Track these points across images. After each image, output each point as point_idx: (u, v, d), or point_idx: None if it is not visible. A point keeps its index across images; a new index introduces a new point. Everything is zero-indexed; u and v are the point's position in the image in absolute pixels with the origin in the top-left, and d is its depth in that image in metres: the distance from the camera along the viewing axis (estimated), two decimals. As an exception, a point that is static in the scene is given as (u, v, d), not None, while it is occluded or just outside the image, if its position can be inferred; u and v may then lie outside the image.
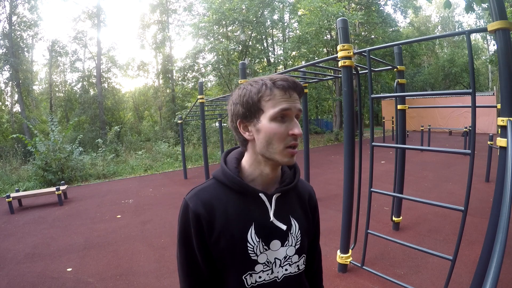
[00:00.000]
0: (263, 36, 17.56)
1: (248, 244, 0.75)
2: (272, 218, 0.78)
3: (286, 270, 0.81)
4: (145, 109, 23.86)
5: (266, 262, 0.78)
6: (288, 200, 0.84)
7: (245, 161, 0.81)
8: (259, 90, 0.73)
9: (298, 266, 0.84)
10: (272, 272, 0.79)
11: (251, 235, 0.76)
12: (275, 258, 0.79)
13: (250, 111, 0.75)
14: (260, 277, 0.78)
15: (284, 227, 0.79)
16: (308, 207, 0.90)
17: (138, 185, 7.76)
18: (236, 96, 0.77)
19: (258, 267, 0.77)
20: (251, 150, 0.79)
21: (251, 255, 0.76)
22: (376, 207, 4.52)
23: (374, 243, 3.21)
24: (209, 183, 0.82)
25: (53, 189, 6.14)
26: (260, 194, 0.78)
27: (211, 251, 0.76)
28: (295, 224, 0.82)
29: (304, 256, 0.85)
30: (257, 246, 0.76)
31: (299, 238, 0.83)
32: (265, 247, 0.77)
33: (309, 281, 0.94)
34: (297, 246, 0.82)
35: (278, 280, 0.80)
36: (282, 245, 0.80)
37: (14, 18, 16.51)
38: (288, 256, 0.81)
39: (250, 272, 0.77)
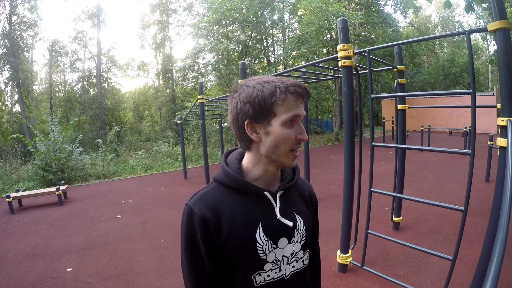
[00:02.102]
0: (263, 36, 17.55)
1: (257, 244, 0.75)
2: (278, 215, 0.78)
3: (293, 267, 0.82)
4: (145, 109, 23.85)
5: (274, 261, 0.78)
6: (291, 197, 0.85)
7: (248, 161, 0.81)
8: (272, 93, 0.72)
9: (303, 261, 0.85)
10: (280, 270, 0.80)
11: (260, 235, 0.76)
12: (283, 256, 0.80)
13: (262, 113, 0.73)
14: (268, 275, 0.78)
15: (290, 223, 0.80)
16: (310, 203, 0.91)
17: (138, 185, 7.76)
18: (245, 95, 0.73)
19: (267, 266, 0.78)
20: (255, 150, 0.79)
21: (260, 254, 0.76)
22: (376, 207, 4.52)
23: (374, 243, 3.21)
24: (211, 186, 0.81)
25: (53, 189, 6.14)
26: (265, 192, 0.78)
27: (219, 255, 0.76)
28: (300, 220, 0.83)
29: (308, 251, 0.87)
30: (266, 245, 0.76)
31: (304, 234, 0.84)
32: (273, 245, 0.77)
33: (310, 276, 0.95)
34: (302, 242, 0.83)
35: (285, 278, 0.81)
36: (289, 242, 0.81)
37: (14, 18, 16.51)
38: (294, 253, 0.82)
39: (259, 272, 0.77)
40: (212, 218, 0.74)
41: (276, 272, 0.79)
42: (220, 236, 0.74)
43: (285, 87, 0.72)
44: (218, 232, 0.74)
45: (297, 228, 0.82)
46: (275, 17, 16.93)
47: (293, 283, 0.82)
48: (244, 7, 14.31)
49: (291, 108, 0.73)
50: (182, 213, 0.79)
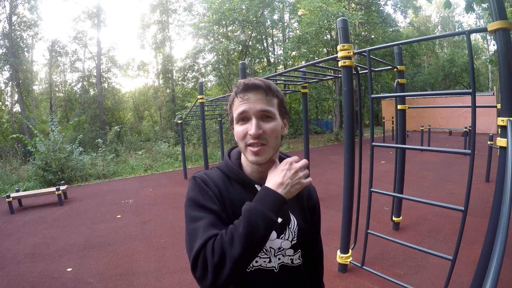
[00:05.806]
0: (263, 36, 17.56)
1: None
2: None
3: (279, 259, 0.84)
4: (145, 109, 23.87)
5: (264, 249, 0.81)
6: None
7: (243, 156, 0.86)
8: (230, 99, 0.82)
9: (292, 260, 0.86)
10: (270, 261, 0.82)
11: None
12: (270, 247, 0.82)
13: (231, 116, 0.83)
14: (256, 261, 0.81)
15: (279, 219, 0.79)
16: (306, 206, 0.91)
17: (138, 185, 7.76)
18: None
19: None
20: None
21: None
22: (376, 207, 4.52)
23: (374, 243, 3.21)
24: (213, 170, 0.88)
25: (53, 189, 6.14)
26: (255, 185, 0.82)
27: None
28: (294, 220, 0.85)
29: (299, 251, 0.88)
30: None
31: (296, 235, 0.85)
32: None
33: (308, 279, 0.95)
34: (293, 242, 0.84)
35: (275, 270, 0.83)
36: (278, 237, 0.82)
37: (14, 18, 16.52)
38: (282, 248, 0.83)
39: None
40: (212, 185, 0.80)
41: (265, 262, 0.81)
42: (219, 201, 0.78)
43: (236, 89, 0.79)
44: (218, 197, 0.79)
45: (290, 226, 0.84)
46: (275, 17, 16.94)
47: (284, 278, 0.84)
48: (244, 7, 14.32)
49: (236, 108, 0.79)
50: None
